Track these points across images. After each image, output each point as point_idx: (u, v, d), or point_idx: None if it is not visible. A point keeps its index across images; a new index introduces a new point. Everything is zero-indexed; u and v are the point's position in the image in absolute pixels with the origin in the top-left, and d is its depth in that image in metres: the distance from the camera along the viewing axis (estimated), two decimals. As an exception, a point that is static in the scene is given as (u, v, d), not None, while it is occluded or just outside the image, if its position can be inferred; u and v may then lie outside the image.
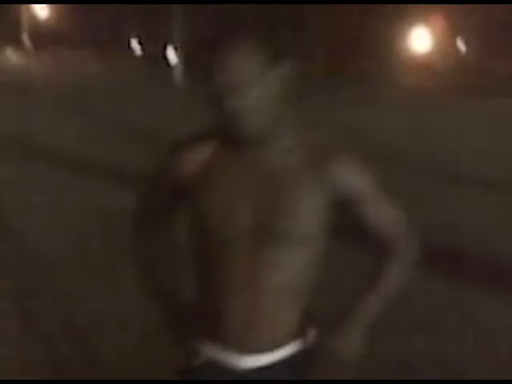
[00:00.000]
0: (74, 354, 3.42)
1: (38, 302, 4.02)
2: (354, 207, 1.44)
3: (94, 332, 3.63)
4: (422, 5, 23.08)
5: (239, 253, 1.38)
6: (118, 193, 6.29)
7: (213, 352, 1.48)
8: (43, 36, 37.53)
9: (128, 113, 13.01)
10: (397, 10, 22.73)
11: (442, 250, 5.04)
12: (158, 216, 1.57)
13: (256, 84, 1.28)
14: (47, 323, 3.77)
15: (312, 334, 1.54)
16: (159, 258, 1.61)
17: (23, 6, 38.82)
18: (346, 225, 1.53)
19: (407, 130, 12.06)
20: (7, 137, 10.13)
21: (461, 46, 21.64)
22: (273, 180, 1.38)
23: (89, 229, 5.51)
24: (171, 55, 24.94)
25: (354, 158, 1.43)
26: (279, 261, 1.39)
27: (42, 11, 40.13)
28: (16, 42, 36.31)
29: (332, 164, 1.39)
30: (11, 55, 32.23)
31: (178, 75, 27.77)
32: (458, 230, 5.73)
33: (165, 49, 28.72)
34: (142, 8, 31.40)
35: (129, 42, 37.07)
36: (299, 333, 1.50)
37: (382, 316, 1.56)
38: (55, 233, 5.46)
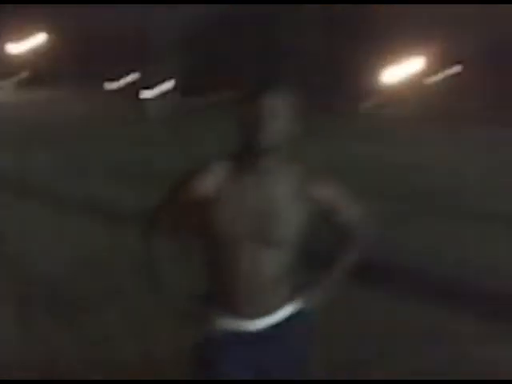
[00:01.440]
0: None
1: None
2: (330, 214, 2.09)
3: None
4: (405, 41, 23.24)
5: (243, 251, 1.94)
6: (106, 230, 6.50)
7: (229, 322, 2.05)
8: (36, 72, 37.82)
9: (110, 150, 12.89)
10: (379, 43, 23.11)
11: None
12: (171, 229, 2.11)
13: (281, 118, 1.89)
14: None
15: (300, 300, 2.16)
16: (170, 263, 2.16)
17: (12, 45, 39.17)
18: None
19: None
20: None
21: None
22: (268, 198, 1.92)
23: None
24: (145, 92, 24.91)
25: (327, 180, 2.05)
26: (270, 256, 1.96)
27: (15, 50, 40.45)
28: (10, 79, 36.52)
29: (316, 186, 1.99)
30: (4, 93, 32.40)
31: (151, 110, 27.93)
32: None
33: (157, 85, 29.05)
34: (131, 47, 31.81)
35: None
36: (289, 300, 2.12)
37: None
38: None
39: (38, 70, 36.13)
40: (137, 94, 26.44)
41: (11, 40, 35.93)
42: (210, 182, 1.91)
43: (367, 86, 18.13)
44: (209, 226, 1.93)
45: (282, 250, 1.98)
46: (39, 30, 38.30)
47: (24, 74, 38.84)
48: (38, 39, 39.51)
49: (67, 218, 7.37)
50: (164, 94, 28.42)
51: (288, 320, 2.11)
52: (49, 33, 36.44)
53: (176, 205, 2.02)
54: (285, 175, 1.95)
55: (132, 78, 29.25)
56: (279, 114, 1.84)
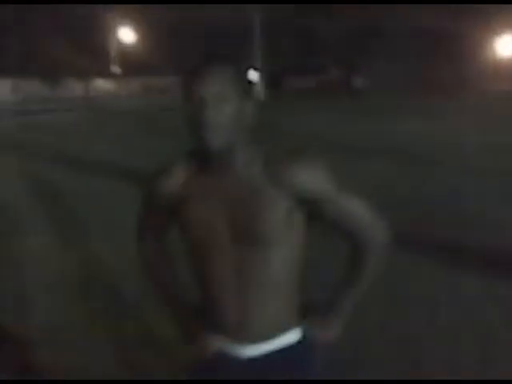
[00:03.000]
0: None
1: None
2: (315, 208, 1.56)
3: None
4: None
5: (224, 257, 1.59)
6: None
7: (218, 344, 1.68)
8: (130, 63, 39.26)
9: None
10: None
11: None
12: (155, 231, 1.80)
13: (228, 101, 1.48)
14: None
15: (306, 326, 1.71)
16: (162, 264, 1.84)
17: (111, 37, 40.84)
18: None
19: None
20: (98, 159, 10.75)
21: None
22: (240, 191, 1.56)
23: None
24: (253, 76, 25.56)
25: (309, 161, 1.55)
26: (257, 260, 1.57)
27: (127, 38, 41.96)
28: (105, 71, 38.14)
29: (287, 169, 1.52)
30: (102, 83, 33.87)
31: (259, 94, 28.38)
32: None
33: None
34: (222, 33, 32.30)
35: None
36: (293, 324, 1.68)
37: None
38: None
39: (132, 62, 37.95)
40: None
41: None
42: (173, 183, 1.63)
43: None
44: (184, 232, 1.64)
45: (270, 252, 1.57)
46: (129, 23, 40.15)
47: (118, 67, 40.81)
48: (130, 34, 41.40)
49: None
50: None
51: (288, 350, 1.67)
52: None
53: (151, 209, 1.74)
54: (253, 164, 1.57)
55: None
56: (226, 98, 1.48)
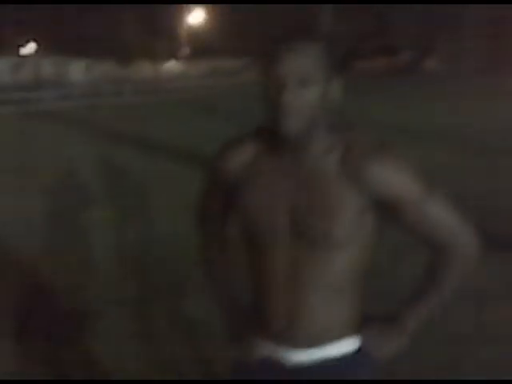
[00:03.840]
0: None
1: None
2: (395, 209, 1.40)
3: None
4: None
5: (280, 252, 1.44)
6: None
7: (265, 348, 1.55)
8: (199, 46, 39.65)
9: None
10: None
11: None
12: (215, 215, 1.63)
13: (313, 84, 1.32)
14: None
15: (364, 336, 1.56)
16: (218, 259, 1.70)
17: (179, 20, 41.31)
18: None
19: None
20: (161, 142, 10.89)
21: None
22: (311, 181, 1.40)
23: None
24: None
25: (393, 156, 1.39)
26: (318, 260, 1.42)
27: (194, 20, 42.31)
28: (174, 53, 38.67)
29: (369, 164, 1.36)
30: (171, 65, 34.40)
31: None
32: None
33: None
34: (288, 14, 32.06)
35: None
36: (350, 332, 1.52)
37: None
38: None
39: (201, 44, 38.32)
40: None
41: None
42: (235, 163, 1.48)
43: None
44: (240, 219, 1.49)
45: (331, 252, 1.42)
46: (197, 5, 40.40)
47: (188, 49, 41.29)
48: (199, 15, 41.77)
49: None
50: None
51: (340, 360, 1.52)
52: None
53: (213, 190, 1.59)
54: (330, 152, 1.41)
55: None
56: (309, 80, 1.32)
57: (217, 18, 41.62)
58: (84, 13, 34.28)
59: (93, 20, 34.87)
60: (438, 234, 1.45)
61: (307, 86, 1.31)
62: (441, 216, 1.43)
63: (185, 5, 40.48)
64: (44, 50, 32.87)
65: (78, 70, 27.13)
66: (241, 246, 1.53)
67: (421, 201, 1.39)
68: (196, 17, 42.59)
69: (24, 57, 31.85)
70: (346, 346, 1.52)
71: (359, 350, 1.53)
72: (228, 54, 37.29)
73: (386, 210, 1.41)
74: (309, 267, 1.43)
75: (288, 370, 1.52)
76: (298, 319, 1.48)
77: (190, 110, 17.51)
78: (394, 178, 1.37)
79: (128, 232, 5.54)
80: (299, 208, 1.41)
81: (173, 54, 37.95)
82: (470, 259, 1.48)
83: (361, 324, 1.54)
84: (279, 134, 1.37)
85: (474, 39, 38.24)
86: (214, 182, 1.57)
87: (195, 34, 41.71)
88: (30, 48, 38.16)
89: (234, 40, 38.06)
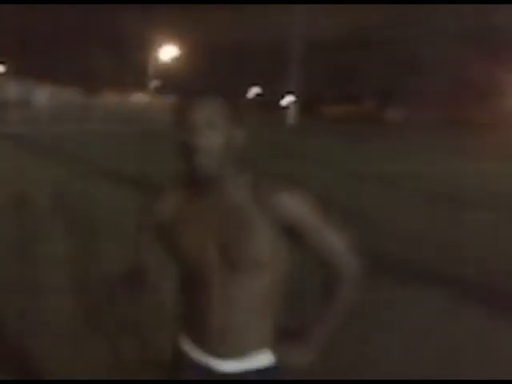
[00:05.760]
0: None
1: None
2: (300, 235, 1.65)
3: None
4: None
5: (211, 275, 1.67)
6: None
7: (196, 355, 1.77)
8: (167, 81, 39.92)
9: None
10: None
11: None
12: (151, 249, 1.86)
13: (218, 128, 1.57)
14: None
15: (279, 349, 1.77)
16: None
17: (150, 54, 41.64)
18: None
19: None
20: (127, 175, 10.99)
21: None
22: (229, 216, 1.64)
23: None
24: (286, 101, 25.88)
25: (297, 192, 1.63)
26: (243, 281, 1.66)
27: (166, 56, 42.68)
28: (142, 87, 38.82)
29: (277, 196, 1.61)
30: (138, 97, 34.44)
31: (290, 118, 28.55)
32: None
33: (283, 97, 29.88)
34: (260, 60, 32.72)
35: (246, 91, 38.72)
36: (267, 346, 1.75)
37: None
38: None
39: (171, 79, 38.55)
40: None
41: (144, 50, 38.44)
42: (166, 207, 1.73)
43: None
44: (174, 251, 1.73)
45: (254, 275, 1.66)
46: (170, 41, 40.82)
47: (157, 83, 41.51)
48: (171, 51, 42.10)
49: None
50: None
51: (260, 371, 1.74)
52: (180, 45, 38.43)
53: (149, 226, 1.84)
54: (241, 190, 1.66)
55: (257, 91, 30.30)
56: (215, 125, 1.58)
57: (188, 54, 42.14)
58: (56, 39, 34.33)
59: (65, 47, 34.92)
60: (330, 257, 1.71)
61: (215, 130, 1.56)
62: (333, 243, 1.70)
63: (157, 40, 40.91)
64: (10, 72, 32.67)
65: (43, 95, 27.02)
66: (177, 270, 1.74)
67: (318, 227, 1.67)
68: (168, 52, 43.04)
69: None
70: (264, 358, 1.74)
71: (275, 362, 1.75)
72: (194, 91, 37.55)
73: (293, 236, 1.65)
74: (234, 290, 1.66)
75: (214, 376, 1.74)
76: (225, 332, 1.70)
77: (153, 141, 17.58)
78: (298, 208, 1.63)
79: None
80: (223, 240, 1.64)
81: (141, 87, 38.11)
82: (353, 282, 1.74)
83: (277, 339, 1.76)
84: (194, 174, 1.60)
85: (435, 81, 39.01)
86: (148, 223, 1.82)
87: (165, 69, 42.06)
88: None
89: (202, 77, 38.55)
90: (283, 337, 1.77)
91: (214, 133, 1.57)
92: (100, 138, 19.08)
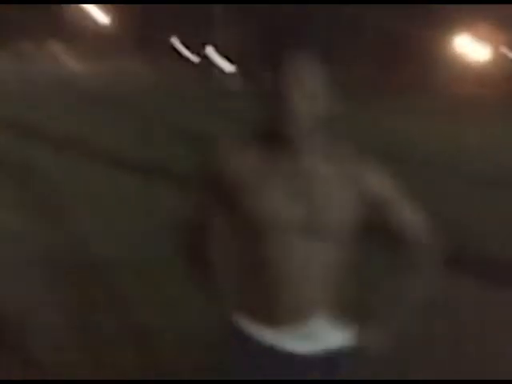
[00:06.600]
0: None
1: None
2: (379, 210, 1.63)
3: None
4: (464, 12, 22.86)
5: (290, 242, 1.55)
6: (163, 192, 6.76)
7: (268, 337, 1.64)
8: (99, 42, 38.49)
9: (181, 115, 13.64)
10: (440, 18, 22.59)
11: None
12: (207, 218, 1.71)
13: (316, 93, 1.49)
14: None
15: (354, 331, 1.72)
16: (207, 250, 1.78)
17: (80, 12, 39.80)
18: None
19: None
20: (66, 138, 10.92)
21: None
22: (317, 182, 1.57)
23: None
24: (223, 63, 25.34)
25: (379, 167, 1.65)
26: (322, 252, 1.58)
27: (98, 16, 41.02)
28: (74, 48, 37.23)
29: (362, 171, 1.61)
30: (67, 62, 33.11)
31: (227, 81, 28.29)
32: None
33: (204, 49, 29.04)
34: (181, 11, 31.60)
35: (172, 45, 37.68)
36: (343, 325, 1.69)
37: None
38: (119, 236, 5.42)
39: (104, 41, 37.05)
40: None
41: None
42: (238, 164, 1.56)
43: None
44: (243, 217, 1.56)
45: (328, 244, 1.58)
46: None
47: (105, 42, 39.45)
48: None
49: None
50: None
51: (334, 352, 1.66)
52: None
53: (208, 190, 1.64)
54: (328, 157, 1.59)
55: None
56: (312, 86, 1.47)
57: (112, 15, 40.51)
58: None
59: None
60: (411, 228, 1.68)
61: (311, 95, 1.47)
62: (411, 220, 1.68)
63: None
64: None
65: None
66: (239, 240, 1.61)
67: (398, 204, 1.66)
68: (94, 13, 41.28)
69: None
70: (338, 338, 1.67)
71: (348, 343, 1.68)
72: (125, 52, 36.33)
73: (370, 210, 1.63)
74: (313, 260, 1.57)
75: (291, 359, 1.63)
76: (298, 311, 1.61)
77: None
78: (382, 180, 1.64)
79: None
80: (311, 205, 1.56)
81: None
82: (431, 264, 1.70)
83: (349, 318, 1.69)
84: (281, 136, 1.52)
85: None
86: (212, 182, 1.63)
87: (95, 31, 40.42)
88: None
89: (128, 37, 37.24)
90: (357, 317, 1.71)
91: (308, 93, 1.47)
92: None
